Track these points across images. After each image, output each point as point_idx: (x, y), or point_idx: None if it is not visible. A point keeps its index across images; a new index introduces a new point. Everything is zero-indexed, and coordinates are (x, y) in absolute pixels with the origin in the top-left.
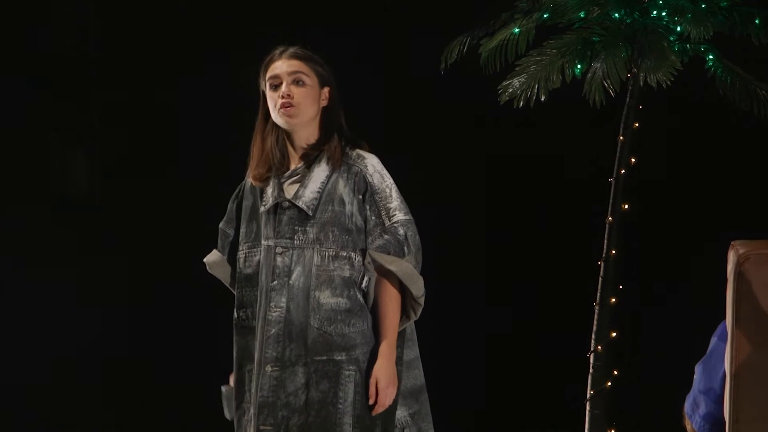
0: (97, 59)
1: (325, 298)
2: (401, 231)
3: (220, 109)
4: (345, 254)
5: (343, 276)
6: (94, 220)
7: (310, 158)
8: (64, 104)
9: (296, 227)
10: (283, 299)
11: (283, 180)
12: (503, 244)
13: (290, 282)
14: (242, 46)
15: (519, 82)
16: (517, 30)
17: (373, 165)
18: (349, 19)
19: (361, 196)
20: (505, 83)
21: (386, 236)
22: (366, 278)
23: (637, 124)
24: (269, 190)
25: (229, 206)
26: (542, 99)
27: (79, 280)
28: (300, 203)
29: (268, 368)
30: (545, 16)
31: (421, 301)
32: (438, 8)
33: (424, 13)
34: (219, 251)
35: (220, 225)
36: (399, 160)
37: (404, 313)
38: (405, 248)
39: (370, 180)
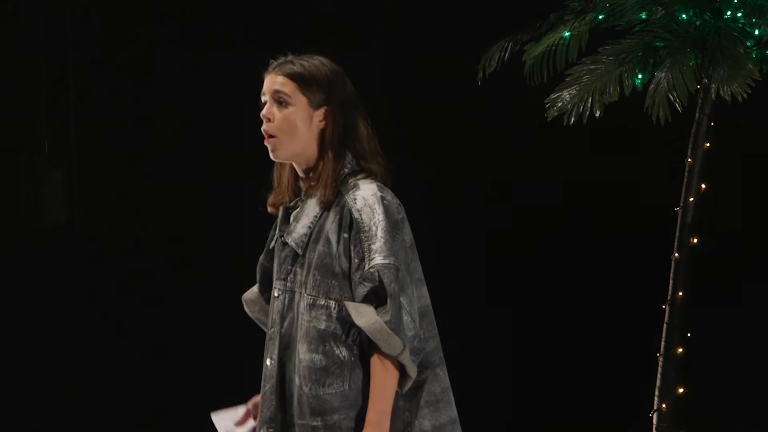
0: (75, 73)
1: (303, 353)
2: (377, 277)
3: (214, 125)
4: (323, 303)
5: (319, 328)
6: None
7: (310, 188)
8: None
9: (290, 267)
10: (276, 351)
11: (291, 210)
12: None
13: (282, 331)
14: (238, 53)
15: (570, 94)
16: (567, 34)
17: (364, 198)
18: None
19: (346, 235)
20: (553, 96)
21: (366, 283)
22: (355, 329)
23: (708, 144)
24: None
25: (269, 235)
26: (597, 114)
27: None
28: (290, 240)
29: (263, 430)
30: (600, 17)
31: (404, 360)
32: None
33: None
34: (258, 287)
35: (260, 257)
36: (467, 173)
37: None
38: (387, 298)
39: (357, 216)
